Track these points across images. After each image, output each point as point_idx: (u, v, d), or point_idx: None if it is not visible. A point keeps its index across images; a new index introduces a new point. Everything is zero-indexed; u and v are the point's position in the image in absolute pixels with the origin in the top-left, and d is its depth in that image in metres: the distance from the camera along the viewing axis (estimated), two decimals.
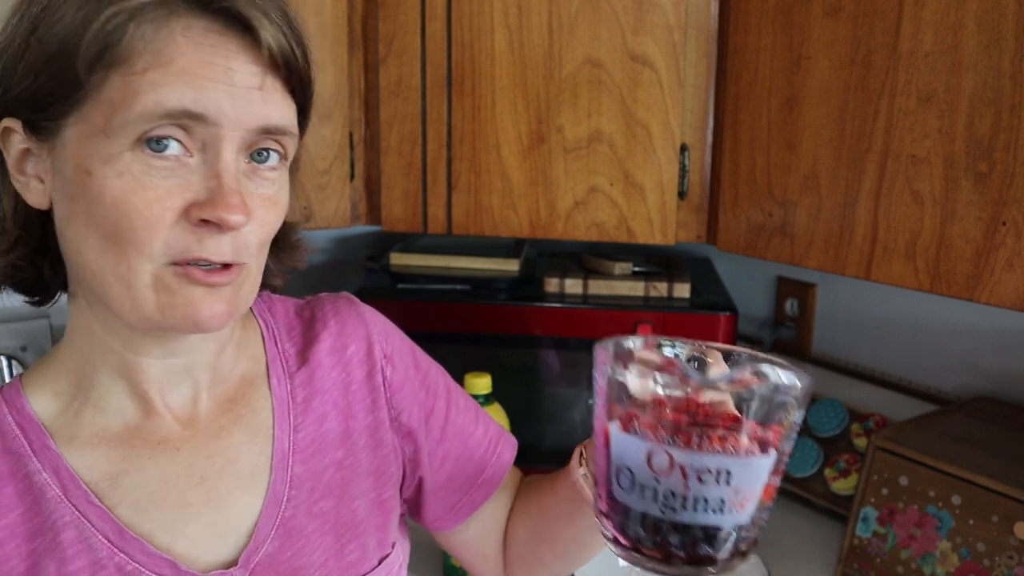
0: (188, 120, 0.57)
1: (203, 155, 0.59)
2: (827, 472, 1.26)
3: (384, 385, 0.78)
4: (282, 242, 0.73)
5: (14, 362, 1.24)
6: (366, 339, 0.78)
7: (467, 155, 1.15)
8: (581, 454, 0.74)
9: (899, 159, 0.90)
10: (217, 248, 0.60)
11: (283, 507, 0.70)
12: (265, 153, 0.62)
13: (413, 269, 1.34)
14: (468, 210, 1.17)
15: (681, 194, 1.13)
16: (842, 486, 1.24)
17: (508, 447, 0.86)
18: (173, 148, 0.58)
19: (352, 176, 1.20)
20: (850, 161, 0.95)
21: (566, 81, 1.11)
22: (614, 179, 1.13)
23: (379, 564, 0.75)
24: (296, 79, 0.62)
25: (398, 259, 1.36)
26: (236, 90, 0.58)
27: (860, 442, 1.26)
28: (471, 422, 0.84)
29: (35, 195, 0.63)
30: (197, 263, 0.60)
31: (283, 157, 0.64)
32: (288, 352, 0.76)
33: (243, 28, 0.59)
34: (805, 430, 1.32)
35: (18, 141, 0.62)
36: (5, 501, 0.62)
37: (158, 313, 0.60)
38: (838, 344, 1.41)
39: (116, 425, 0.66)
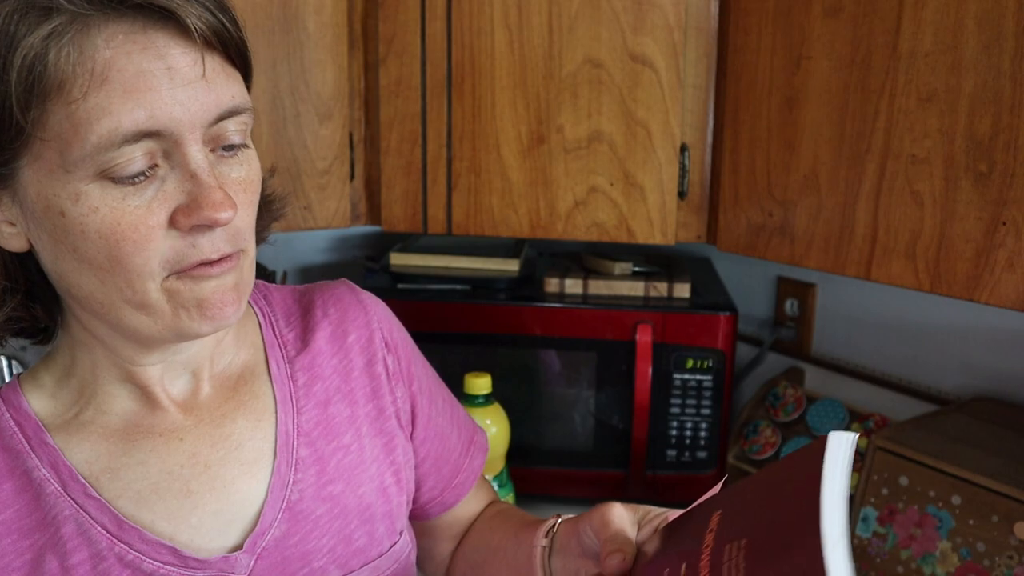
0: (145, 139, 0.55)
1: (169, 160, 0.58)
2: None
3: (387, 374, 0.78)
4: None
5: (14, 362, 1.24)
6: (367, 327, 0.78)
7: (467, 155, 1.15)
8: (553, 527, 0.71)
9: (899, 159, 0.90)
10: (213, 245, 0.60)
11: (289, 490, 0.70)
12: (232, 147, 0.61)
13: (413, 269, 1.34)
14: (468, 210, 1.17)
15: (681, 194, 1.13)
16: None
17: (480, 452, 0.87)
18: (138, 165, 0.56)
19: (352, 176, 1.20)
20: (850, 161, 0.95)
21: (566, 81, 1.11)
22: (614, 179, 1.13)
23: (388, 550, 0.75)
24: (234, 49, 0.60)
25: (398, 259, 1.36)
26: (181, 90, 0.56)
27: (860, 442, 1.26)
28: (448, 424, 0.85)
29: (10, 240, 0.61)
30: (199, 265, 0.60)
31: (245, 133, 0.62)
32: (286, 338, 0.76)
33: (166, 17, 0.55)
34: (805, 430, 1.32)
35: None
36: (2, 497, 0.62)
37: (175, 320, 0.60)
38: (838, 344, 1.41)
39: (118, 422, 0.67)
